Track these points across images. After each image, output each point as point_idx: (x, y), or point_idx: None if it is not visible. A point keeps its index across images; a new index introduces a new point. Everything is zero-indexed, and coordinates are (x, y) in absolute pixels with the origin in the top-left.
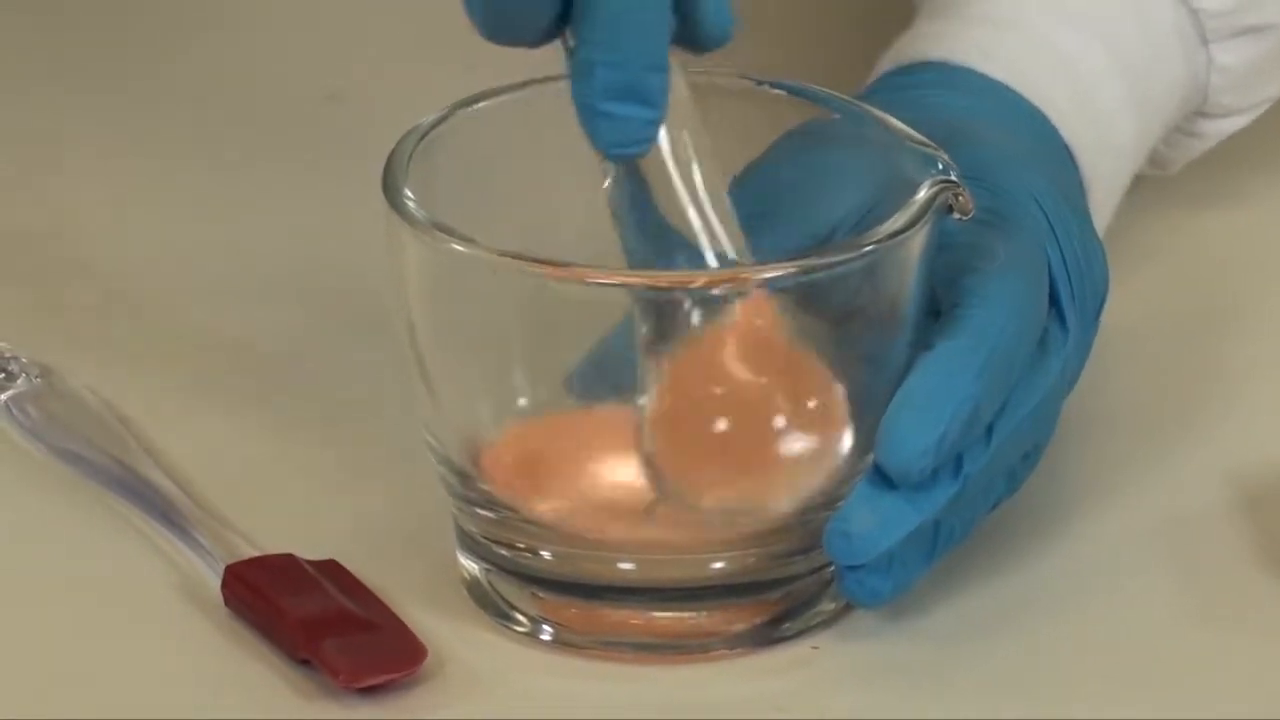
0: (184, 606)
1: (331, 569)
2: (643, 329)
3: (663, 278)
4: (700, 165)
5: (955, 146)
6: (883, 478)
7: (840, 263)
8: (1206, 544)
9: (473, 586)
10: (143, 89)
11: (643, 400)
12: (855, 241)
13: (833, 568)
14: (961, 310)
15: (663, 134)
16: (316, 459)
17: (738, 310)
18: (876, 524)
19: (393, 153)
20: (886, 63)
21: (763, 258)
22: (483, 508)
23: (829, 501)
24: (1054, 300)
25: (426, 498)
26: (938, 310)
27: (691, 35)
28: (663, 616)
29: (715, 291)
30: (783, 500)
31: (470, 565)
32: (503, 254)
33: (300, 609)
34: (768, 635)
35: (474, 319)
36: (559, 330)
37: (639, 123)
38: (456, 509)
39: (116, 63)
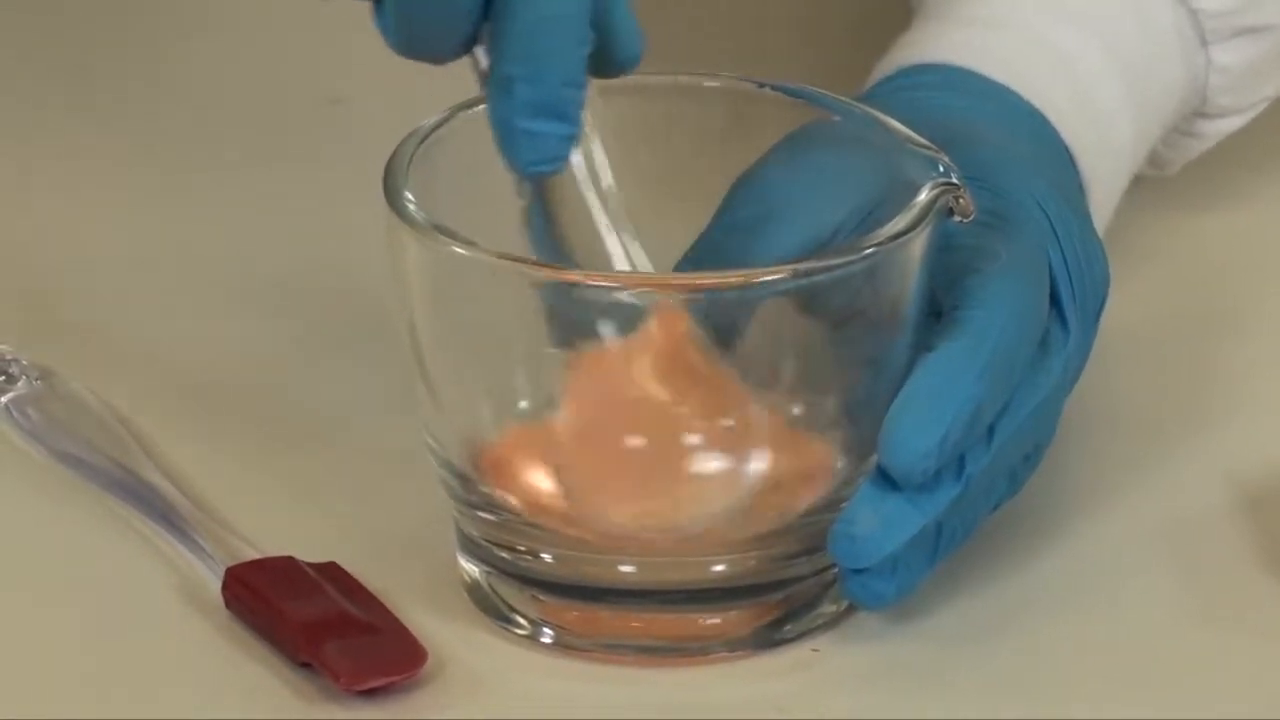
0: (185, 609)
1: (332, 571)
2: (555, 339)
3: (665, 280)
4: (605, 181)
5: (956, 148)
6: (886, 479)
7: (841, 265)
8: (1207, 545)
9: (473, 589)
10: (144, 92)
11: (556, 412)
12: (856, 244)
13: (834, 570)
14: (963, 311)
15: (574, 151)
16: (317, 461)
17: (652, 324)
18: (880, 526)
19: (393, 155)
20: (886, 65)
21: (764, 261)
22: (483, 510)
23: (831, 504)
24: (1055, 301)
25: (427, 500)
26: (939, 312)
27: (602, 58)
28: (664, 619)
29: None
30: (692, 518)
31: (471, 568)
32: (503, 256)
33: (301, 611)
34: (769, 637)
35: (474, 321)
36: None
37: (555, 139)
38: (457, 512)
39: (118, 66)
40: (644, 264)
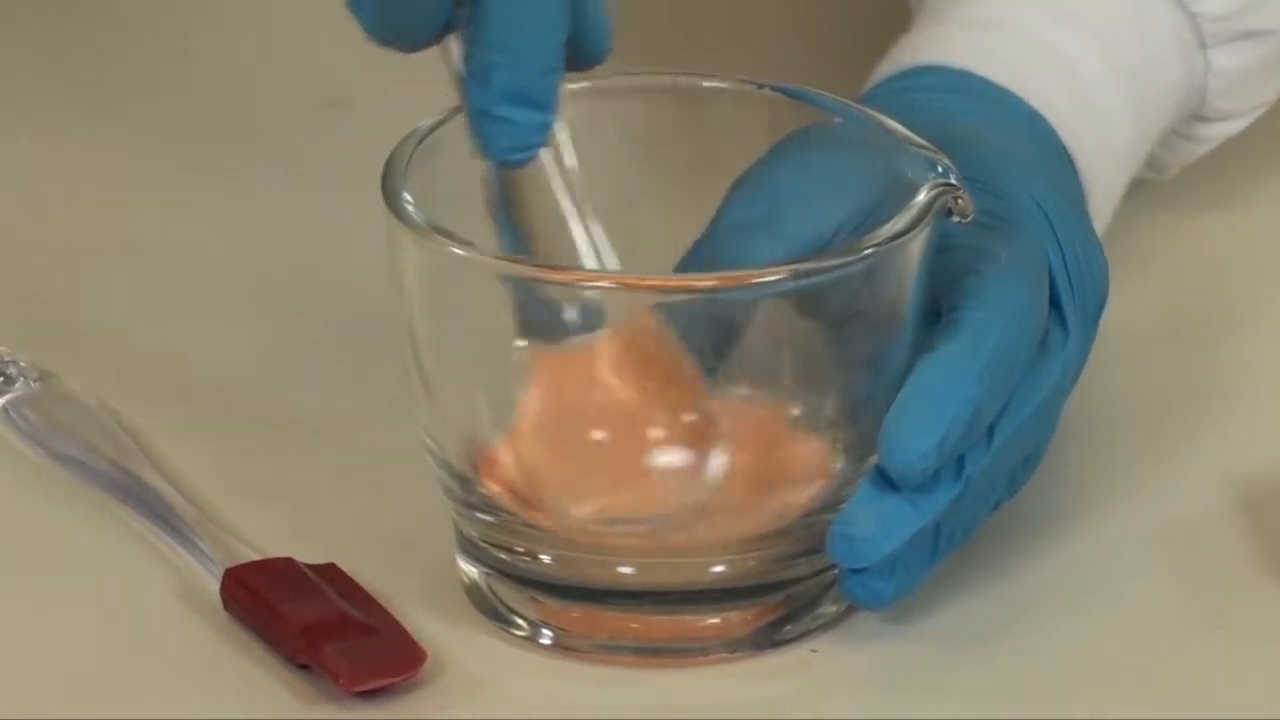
0: (183, 610)
1: (331, 573)
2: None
3: (665, 281)
4: (570, 171)
5: (955, 149)
6: (885, 480)
7: (840, 266)
8: (1206, 546)
9: (472, 590)
10: (144, 93)
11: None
12: (855, 245)
13: (834, 571)
14: (962, 312)
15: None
16: (316, 463)
17: (620, 321)
18: (879, 526)
19: (391, 156)
20: (885, 67)
21: (763, 262)
22: (482, 511)
23: (830, 504)
24: (1054, 302)
25: (426, 502)
26: (938, 312)
27: (572, 50)
28: (663, 620)
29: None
30: (655, 513)
31: (470, 569)
32: (501, 257)
33: (300, 613)
34: (768, 638)
35: (473, 322)
36: None
37: (532, 127)
38: (456, 513)
39: (118, 67)
40: (608, 250)
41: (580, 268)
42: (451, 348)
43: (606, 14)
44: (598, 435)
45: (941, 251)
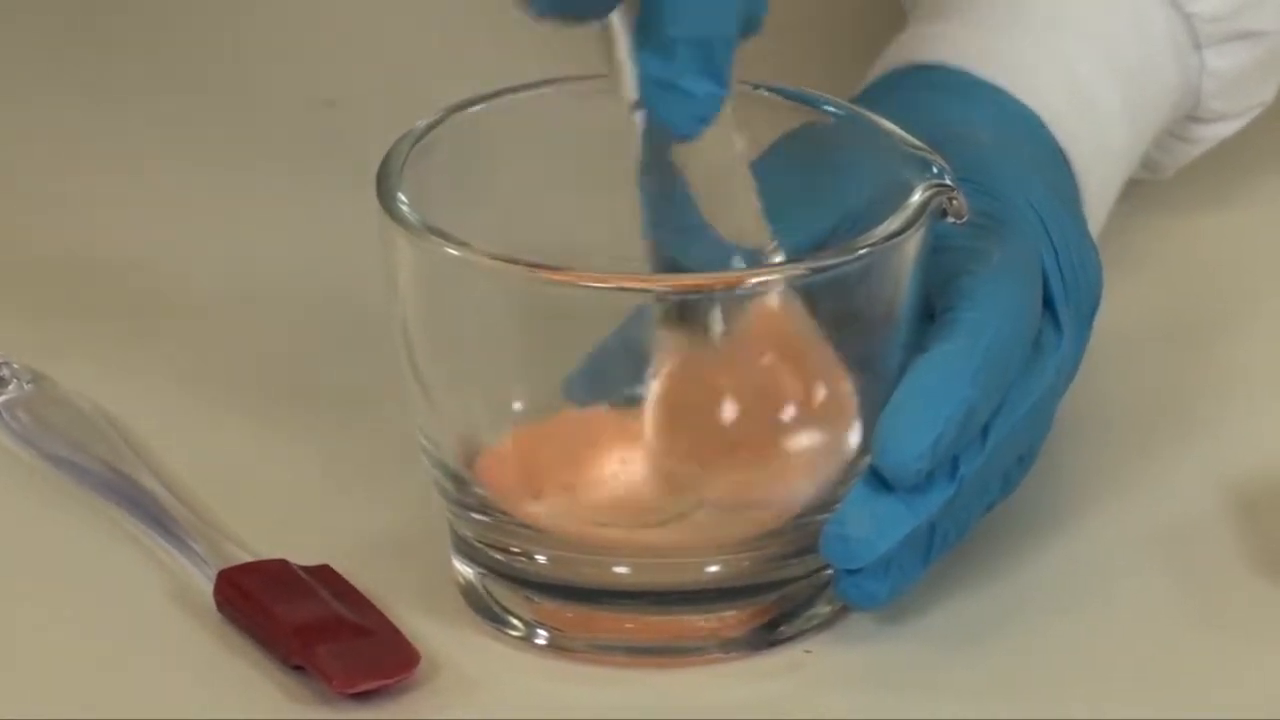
0: (176, 612)
1: (325, 574)
2: (657, 324)
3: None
4: (734, 152)
5: (950, 149)
6: (879, 480)
7: (835, 266)
8: (1200, 547)
9: (467, 591)
10: (139, 93)
11: (651, 396)
12: (850, 245)
13: (828, 571)
14: (956, 313)
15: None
16: (310, 464)
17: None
18: (873, 527)
19: (386, 157)
20: (881, 66)
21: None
22: (477, 512)
23: (825, 505)
24: (1048, 303)
25: (421, 502)
26: (932, 313)
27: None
28: (658, 620)
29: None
30: (788, 495)
31: (465, 570)
32: (496, 257)
33: (293, 614)
34: (763, 639)
35: (468, 323)
36: (554, 334)
37: (710, 99)
38: (451, 513)
39: (113, 67)
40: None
41: (572, 268)
42: (446, 348)
43: None
44: (731, 418)
45: (936, 252)
